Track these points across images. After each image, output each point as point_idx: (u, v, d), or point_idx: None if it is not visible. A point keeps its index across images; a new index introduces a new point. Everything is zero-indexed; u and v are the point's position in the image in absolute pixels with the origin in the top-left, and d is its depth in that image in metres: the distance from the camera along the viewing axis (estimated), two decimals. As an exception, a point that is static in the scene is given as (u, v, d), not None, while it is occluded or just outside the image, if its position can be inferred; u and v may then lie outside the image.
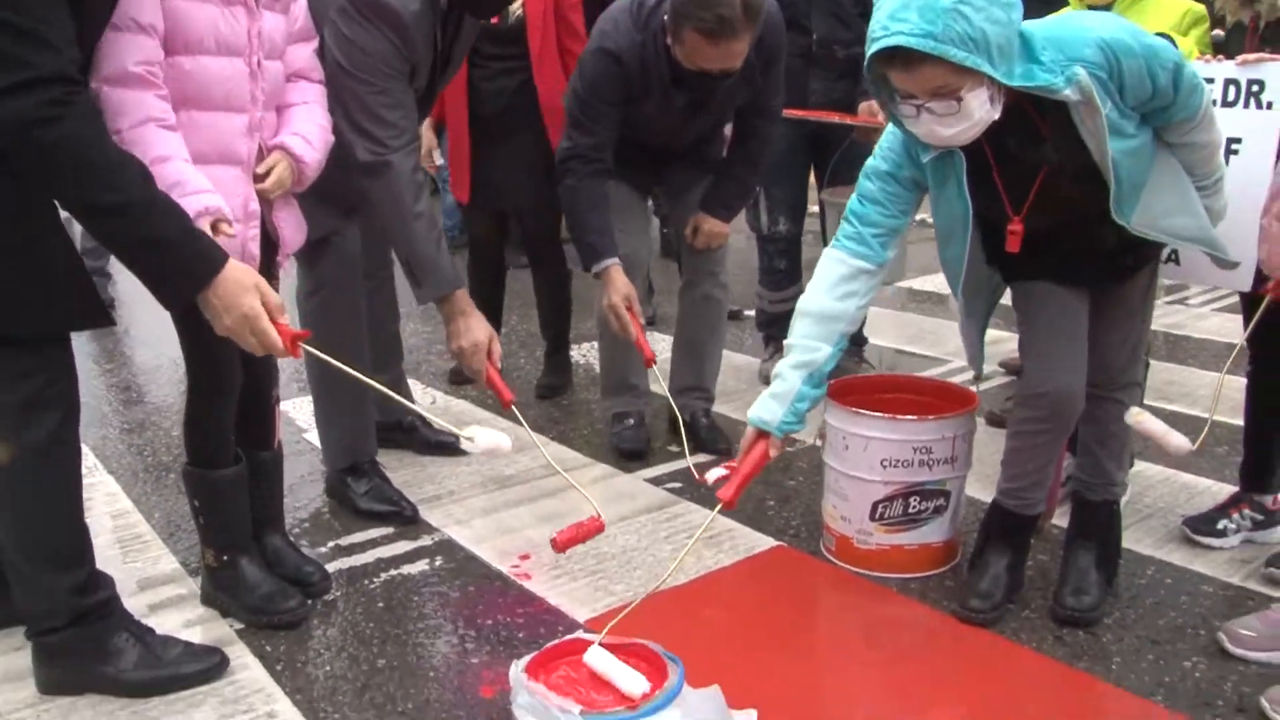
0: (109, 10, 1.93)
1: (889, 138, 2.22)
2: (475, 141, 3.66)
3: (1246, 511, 2.71)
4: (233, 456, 2.37)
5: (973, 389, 2.86)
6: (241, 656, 2.27)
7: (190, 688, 2.15)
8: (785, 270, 4.00)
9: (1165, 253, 2.48)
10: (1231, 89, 2.41)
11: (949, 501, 2.58)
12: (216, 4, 2.07)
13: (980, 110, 1.93)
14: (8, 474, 1.99)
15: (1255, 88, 2.43)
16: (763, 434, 2.27)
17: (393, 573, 2.64)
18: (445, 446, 3.35)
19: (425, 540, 2.81)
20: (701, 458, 3.28)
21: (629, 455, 3.34)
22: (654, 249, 3.56)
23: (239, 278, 1.89)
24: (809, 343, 2.25)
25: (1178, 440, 2.18)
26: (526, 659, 2.00)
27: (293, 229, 2.39)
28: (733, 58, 2.82)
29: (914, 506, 2.56)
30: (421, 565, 2.68)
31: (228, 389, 2.31)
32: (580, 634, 2.16)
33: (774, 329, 4.01)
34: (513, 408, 2.42)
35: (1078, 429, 2.47)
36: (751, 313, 4.55)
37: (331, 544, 2.79)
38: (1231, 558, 2.65)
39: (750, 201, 3.47)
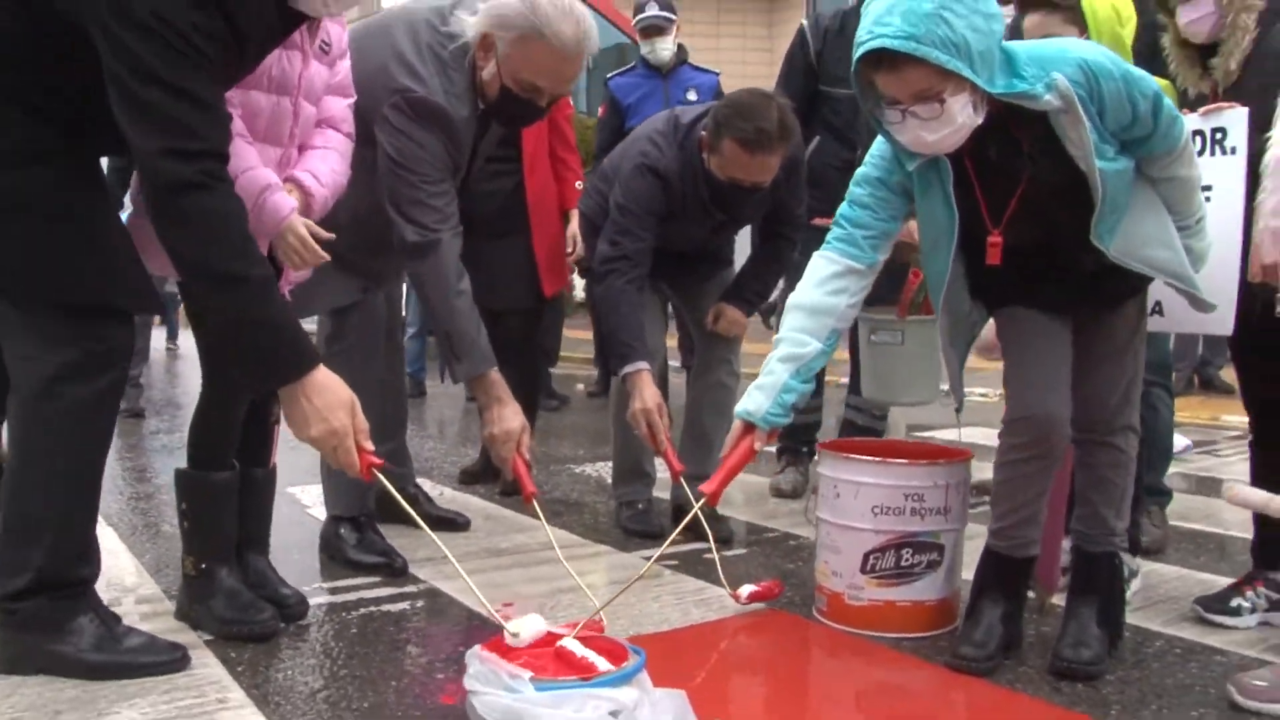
0: None
1: (879, 145, 2.29)
2: (465, 241, 3.80)
3: (1261, 589, 2.58)
4: (229, 464, 2.40)
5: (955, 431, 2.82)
6: (204, 658, 2.23)
7: (146, 677, 2.10)
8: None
9: (1150, 304, 2.49)
10: (1198, 139, 2.48)
11: (943, 556, 2.51)
12: (280, 46, 2.22)
13: (963, 114, 2.01)
14: (40, 428, 2.02)
15: (1219, 135, 2.50)
16: (749, 428, 2.26)
17: (372, 609, 2.60)
18: (446, 522, 3.33)
19: (410, 588, 2.77)
20: (702, 545, 3.21)
21: (638, 535, 3.31)
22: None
23: (337, 391, 1.96)
24: (799, 336, 2.28)
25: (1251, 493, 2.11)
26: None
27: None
28: (766, 171, 2.99)
29: (906, 559, 2.49)
30: (403, 605, 2.64)
31: (239, 394, 2.36)
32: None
33: (789, 440, 3.99)
34: (533, 502, 2.51)
35: (1073, 478, 2.42)
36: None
37: (315, 585, 2.76)
38: (1247, 636, 2.51)
39: (767, 300, 3.55)
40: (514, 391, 3.99)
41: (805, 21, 3.82)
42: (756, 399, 2.27)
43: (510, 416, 2.64)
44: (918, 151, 2.12)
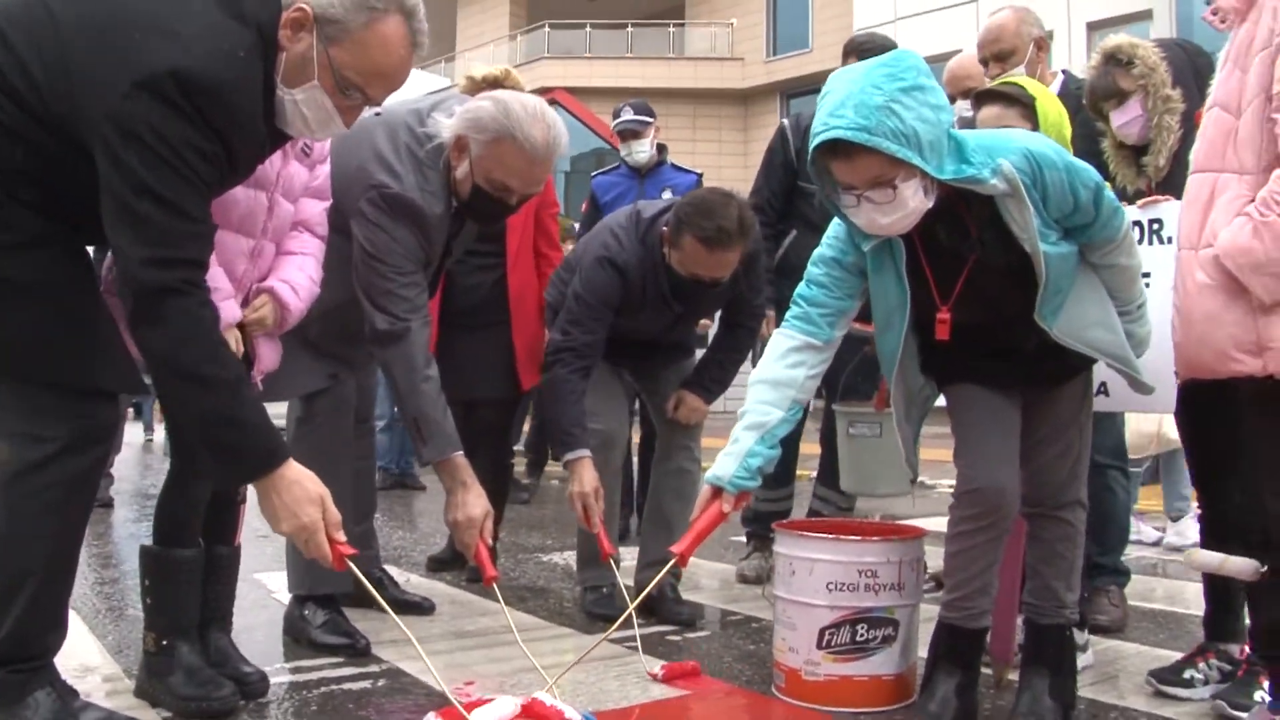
0: None
1: (835, 227, 2.40)
2: (446, 332, 3.89)
3: (1214, 661, 2.62)
4: (194, 541, 2.44)
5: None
6: (162, 734, 2.23)
7: (100, 751, 2.11)
8: (778, 470, 4.04)
9: (1096, 385, 2.58)
10: (1136, 229, 2.61)
11: (898, 632, 2.54)
12: None
13: (914, 199, 2.12)
14: (25, 500, 2.05)
15: (1155, 225, 2.64)
16: (718, 492, 2.33)
17: (334, 687, 2.60)
18: (411, 605, 3.34)
19: (373, 667, 2.78)
20: (666, 628, 3.24)
21: (602, 618, 3.31)
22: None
23: (307, 487, 2.05)
24: (761, 406, 2.36)
25: (1238, 564, 2.17)
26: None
27: (269, 352, 2.58)
28: (724, 267, 3.10)
29: (861, 634, 2.52)
30: (364, 684, 2.64)
31: (205, 475, 2.40)
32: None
33: (758, 526, 4.03)
34: (493, 586, 2.58)
35: (1025, 552, 2.48)
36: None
37: (278, 664, 2.76)
38: (1199, 708, 2.54)
39: (726, 389, 3.62)
40: (484, 480, 4.07)
41: (786, 121, 3.98)
42: (724, 464, 2.35)
43: (474, 502, 2.71)
44: (872, 233, 2.23)
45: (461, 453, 2.78)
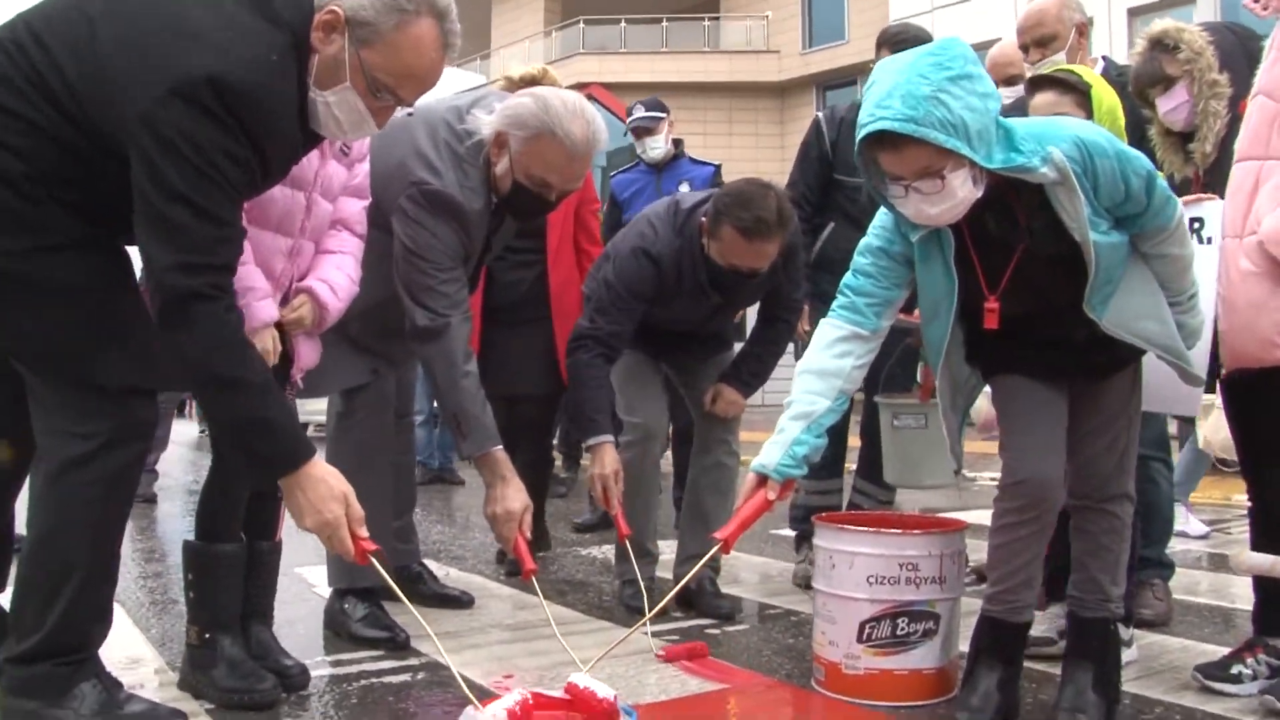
0: None
1: (882, 216, 2.38)
2: (489, 328, 3.92)
3: (1262, 656, 2.56)
4: (236, 537, 2.46)
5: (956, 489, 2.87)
6: (205, 725, 2.26)
7: (145, 742, 2.13)
8: (826, 461, 4.01)
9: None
10: None
11: (939, 625, 2.51)
12: None
13: (963, 189, 2.10)
14: (68, 495, 2.09)
15: (1196, 224, 2.58)
16: (763, 480, 2.32)
17: (374, 680, 2.62)
18: (450, 599, 3.36)
19: (413, 660, 2.79)
20: (705, 621, 3.24)
21: (639, 612, 3.30)
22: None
23: (331, 484, 2.07)
24: (808, 396, 2.35)
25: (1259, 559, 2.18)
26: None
27: (309, 350, 2.60)
28: (763, 258, 3.08)
29: (902, 628, 2.50)
30: (404, 677, 2.65)
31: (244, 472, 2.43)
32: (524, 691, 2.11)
33: (810, 524, 3.98)
34: (532, 579, 2.60)
35: (1070, 544, 2.45)
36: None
37: (318, 657, 2.78)
38: (1247, 703, 2.49)
39: (765, 382, 3.60)
40: (524, 475, 4.09)
41: (821, 114, 3.94)
42: (769, 452, 2.34)
43: (513, 496, 2.72)
44: (920, 224, 2.21)
45: (501, 447, 2.79)
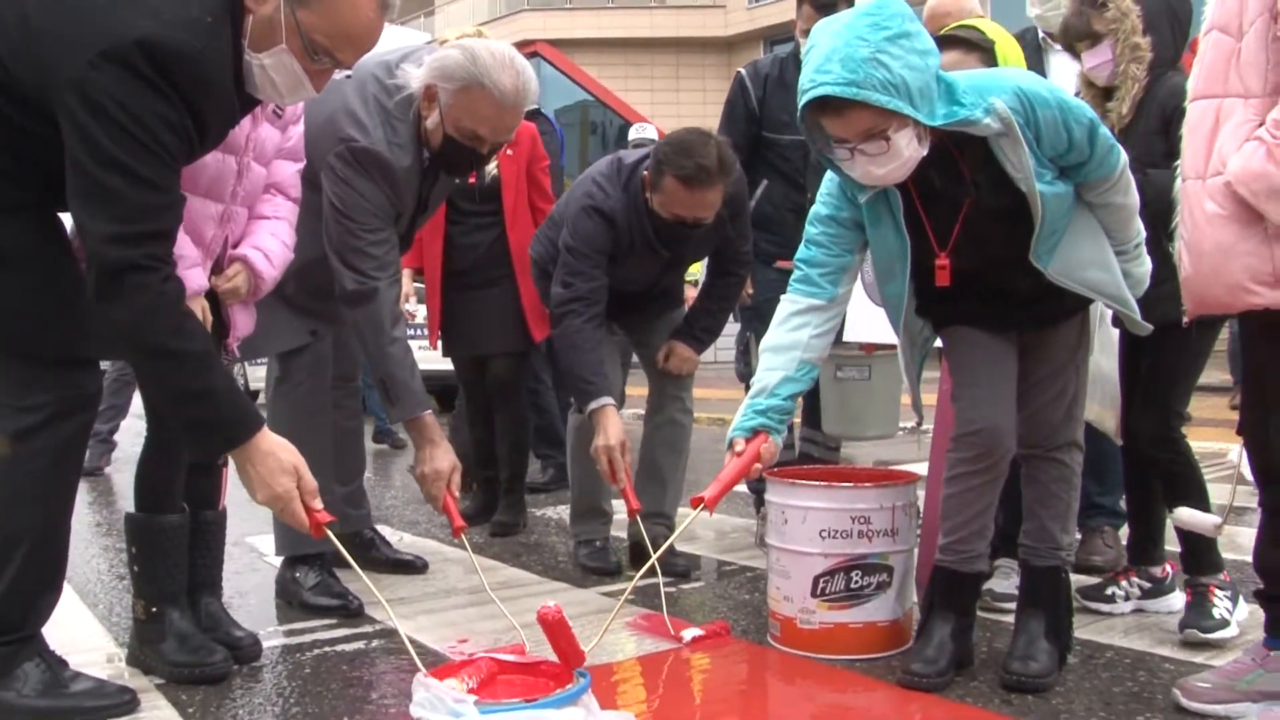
0: None
1: (828, 183, 2.36)
2: (450, 291, 3.91)
3: (1135, 579, 2.82)
4: (178, 506, 2.41)
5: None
6: (155, 701, 2.22)
7: (92, 720, 2.09)
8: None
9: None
10: None
11: (892, 578, 2.53)
12: None
13: (909, 149, 2.09)
14: (13, 468, 2.04)
15: None
16: (730, 445, 2.33)
17: (327, 649, 2.59)
18: (403, 564, 3.33)
19: (366, 628, 2.77)
20: (661, 579, 3.23)
21: (595, 572, 3.32)
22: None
23: (280, 458, 2.02)
24: (764, 373, 2.34)
25: (1203, 519, 2.29)
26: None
27: (244, 318, 2.54)
28: (706, 207, 3.05)
29: (856, 581, 2.51)
30: (358, 645, 2.63)
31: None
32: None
33: (763, 484, 3.98)
34: (461, 536, 2.59)
35: (1021, 493, 2.47)
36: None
37: (271, 628, 2.74)
38: (1197, 646, 2.54)
39: (717, 338, 3.58)
40: (502, 434, 4.07)
41: (743, 70, 3.83)
42: (733, 423, 2.34)
43: (440, 457, 2.70)
44: (868, 184, 2.19)
45: (430, 412, 2.76)
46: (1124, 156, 2.25)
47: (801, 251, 2.39)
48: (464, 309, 3.91)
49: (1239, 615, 2.60)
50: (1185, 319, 2.19)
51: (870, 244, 2.34)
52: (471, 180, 3.83)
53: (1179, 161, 2.14)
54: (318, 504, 2.07)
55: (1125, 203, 2.29)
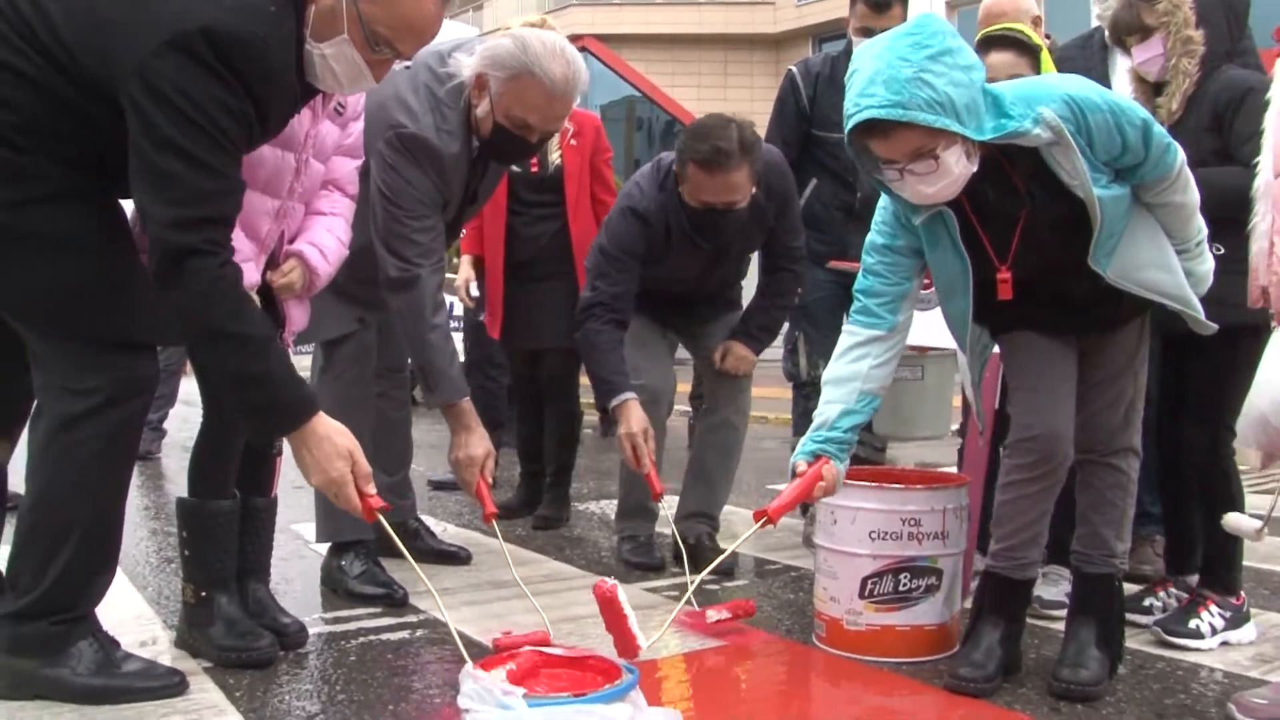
0: None
1: (881, 212, 2.34)
2: (510, 281, 3.91)
3: (1173, 590, 2.77)
4: (230, 493, 2.43)
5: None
6: (203, 684, 2.24)
7: (143, 701, 2.11)
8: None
9: None
10: None
11: (941, 581, 2.50)
12: None
13: (958, 166, 2.06)
14: (70, 451, 2.06)
15: None
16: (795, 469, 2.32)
17: (372, 638, 2.60)
18: (447, 555, 3.34)
19: (411, 618, 2.78)
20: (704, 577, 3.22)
21: (639, 568, 3.33)
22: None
23: (336, 442, 2.04)
24: (824, 406, 2.32)
25: (1248, 524, 2.24)
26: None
27: (299, 313, 2.56)
28: (731, 190, 3.03)
29: (904, 584, 2.48)
30: (403, 634, 2.64)
31: (238, 425, 2.39)
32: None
33: None
34: (493, 523, 2.62)
35: (1075, 498, 2.43)
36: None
37: (315, 615, 2.76)
38: (1253, 657, 2.49)
39: (775, 338, 3.53)
40: (553, 429, 4.07)
41: (794, 68, 3.79)
42: (795, 450, 2.34)
43: (476, 443, 2.73)
44: (919, 204, 2.17)
45: (468, 398, 2.78)
46: (1181, 155, 2.20)
47: (859, 282, 2.36)
48: (523, 301, 3.92)
49: (1239, 635, 2.59)
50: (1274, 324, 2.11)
51: (930, 266, 2.32)
52: (534, 169, 3.83)
53: (1259, 159, 2.09)
54: (371, 489, 2.08)
55: (1185, 201, 2.24)
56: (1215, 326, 2.32)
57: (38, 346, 2.09)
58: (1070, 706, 2.19)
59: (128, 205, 2.13)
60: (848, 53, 3.53)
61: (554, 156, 3.84)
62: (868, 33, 3.41)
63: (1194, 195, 2.26)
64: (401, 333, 2.86)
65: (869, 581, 2.49)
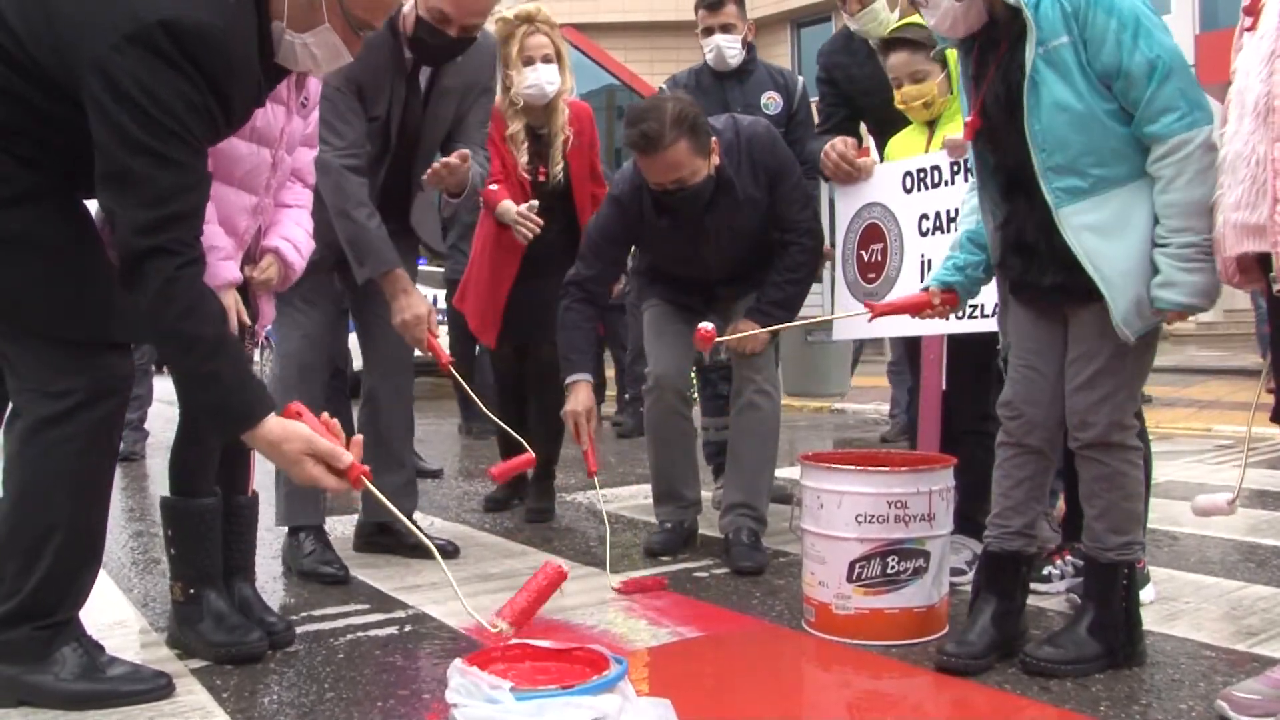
0: None
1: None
2: (522, 281, 3.88)
3: (1069, 559, 2.81)
4: (210, 490, 2.42)
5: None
6: (190, 686, 2.22)
7: (129, 705, 2.10)
8: (728, 396, 3.77)
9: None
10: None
11: (929, 563, 2.50)
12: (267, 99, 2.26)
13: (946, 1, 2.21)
14: (47, 453, 2.04)
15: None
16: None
17: (360, 635, 2.59)
18: (436, 549, 3.31)
19: (399, 613, 2.77)
20: (694, 564, 3.22)
21: (648, 553, 3.40)
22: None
23: (285, 450, 1.97)
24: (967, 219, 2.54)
25: (1219, 502, 2.32)
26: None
27: (269, 307, 2.58)
28: (671, 169, 3.04)
29: (892, 566, 2.48)
30: (390, 630, 2.63)
31: None
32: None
33: (722, 458, 3.87)
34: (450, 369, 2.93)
35: (978, 469, 2.50)
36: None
37: (303, 614, 2.75)
38: (1235, 633, 2.50)
39: (794, 313, 3.39)
40: (539, 421, 4.05)
41: (664, 85, 4.04)
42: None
43: (417, 303, 2.95)
44: (940, 33, 2.34)
45: (401, 267, 2.96)
46: (1194, 130, 2.08)
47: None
48: (529, 298, 3.88)
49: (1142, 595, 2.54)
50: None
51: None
52: (541, 177, 3.80)
53: (1222, 130, 2.06)
54: (345, 460, 2.01)
55: (1175, 177, 2.09)
56: (1130, 335, 2.17)
57: (9, 350, 2.07)
58: (1060, 684, 2.18)
59: (91, 205, 2.11)
60: (709, 69, 3.89)
61: (558, 168, 3.80)
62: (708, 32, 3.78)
63: (1194, 194, 2.10)
64: (332, 214, 2.91)
65: (857, 565, 2.49)
